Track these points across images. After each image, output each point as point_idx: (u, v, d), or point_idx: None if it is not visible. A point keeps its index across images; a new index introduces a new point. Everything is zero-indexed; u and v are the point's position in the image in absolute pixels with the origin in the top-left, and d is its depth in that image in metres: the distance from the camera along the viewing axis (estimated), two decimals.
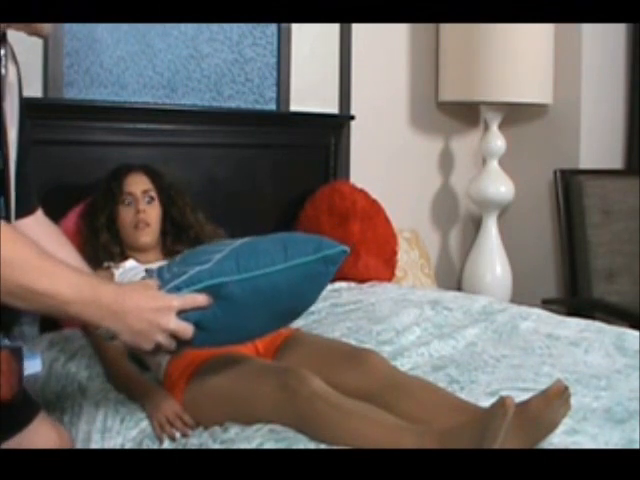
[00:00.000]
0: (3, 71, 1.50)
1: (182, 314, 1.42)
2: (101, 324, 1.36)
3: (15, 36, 1.55)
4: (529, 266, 3.62)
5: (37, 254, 1.31)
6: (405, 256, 3.22)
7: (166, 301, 1.41)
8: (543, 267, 3.61)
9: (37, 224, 1.66)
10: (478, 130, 3.72)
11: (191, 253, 1.61)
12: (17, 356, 1.51)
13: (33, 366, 1.57)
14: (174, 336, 1.41)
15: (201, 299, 1.44)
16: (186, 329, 1.41)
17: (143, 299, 1.39)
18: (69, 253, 1.67)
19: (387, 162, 3.43)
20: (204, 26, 2.88)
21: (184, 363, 1.87)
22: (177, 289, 1.46)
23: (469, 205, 3.71)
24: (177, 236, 2.34)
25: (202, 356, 1.85)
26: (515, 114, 3.56)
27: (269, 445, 1.57)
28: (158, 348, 1.41)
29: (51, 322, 2.30)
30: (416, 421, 1.60)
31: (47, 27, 1.48)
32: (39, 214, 1.71)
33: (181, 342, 1.43)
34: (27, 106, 2.47)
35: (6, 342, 1.52)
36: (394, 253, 3.06)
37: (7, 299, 1.30)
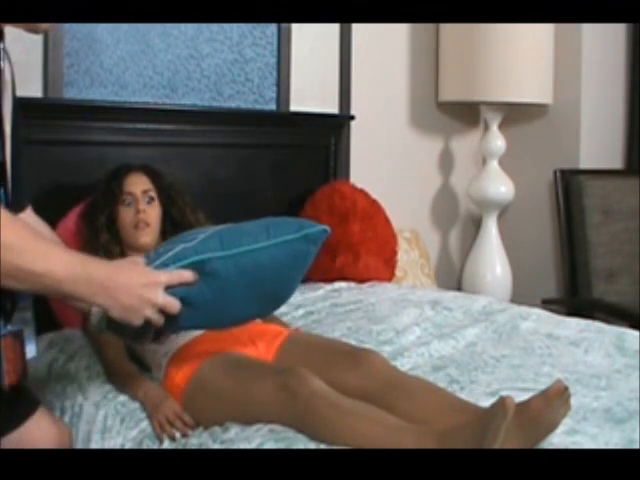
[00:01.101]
0: (2, 64, 1.51)
1: (169, 290, 1.47)
2: (92, 300, 1.41)
3: (15, 35, 1.56)
4: (529, 266, 3.62)
5: (32, 237, 1.36)
6: (405, 256, 3.22)
7: (154, 276, 1.46)
8: (543, 267, 3.61)
9: (28, 221, 1.68)
10: (478, 130, 3.72)
11: (176, 236, 1.68)
12: (19, 340, 1.54)
13: (29, 351, 1.58)
14: (162, 312, 1.45)
15: (187, 275, 1.50)
16: (174, 304, 1.46)
17: (132, 275, 1.43)
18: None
19: (387, 162, 3.43)
20: (204, 26, 2.88)
21: (184, 363, 1.87)
22: (164, 265, 1.52)
23: (469, 205, 3.71)
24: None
25: (202, 356, 1.86)
26: (515, 114, 3.56)
27: (269, 445, 1.57)
28: (147, 324, 1.45)
29: (51, 322, 2.30)
30: (416, 421, 1.60)
31: (44, 24, 1.50)
32: (29, 212, 1.74)
33: (169, 319, 1.47)
34: (27, 106, 2.47)
35: (9, 329, 1.53)
36: (394, 253, 3.06)
37: (5, 281, 1.34)
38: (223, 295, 1.56)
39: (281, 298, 1.71)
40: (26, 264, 1.33)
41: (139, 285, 1.43)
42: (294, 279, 1.68)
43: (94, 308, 1.52)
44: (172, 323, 1.49)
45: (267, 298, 1.67)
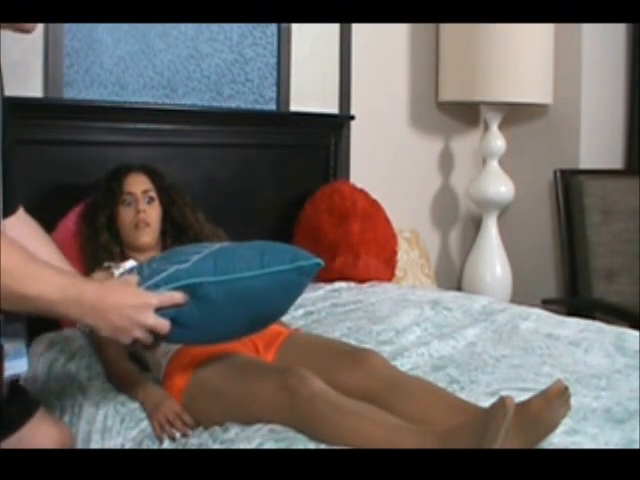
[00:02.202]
0: None
1: (160, 311, 1.49)
2: (83, 320, 1.44)
3: (15, 36, 1.55)
4: (529, 266, 3.62)
5: (26, 260, 1.38)
6: (405, 256, 3.22)
7: (145, 298, 1.48)
8: (543, 267, 3.61)
9: (19, 223, 1.69)
10: (478, 130, 3.72)
11: (171, 253, 1.70)
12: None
13: (19, 366, 1.56)
14: (152, 331, 1.48)
15: (178, 297, 1.52)
16: (164, 325, 1.49)
17: (123, 296, 1.46)
18: (51, 251, 1.71)
19: (387, 162, 3.43)
20: (204, 26, 2.88)
21: (184, 363, 1.87)
22: (156, 286, 1.53)
23: (469, 205, 3.71)
24: (177, 236, 2.34)
25: (202, 356, 1.86)
26: (515, 114, 3.56)
27: (269, 445, 1.57)
28: (135, 342, 1.49)
29: (51, 322, 2.30)
30: (416, 421, 1.60)
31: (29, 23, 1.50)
32: (21, 212, 1.74)
33: (158, 337, 1.51)
34: (27, 106, 2.47)
35: None
36: (394, 253, 3.06)
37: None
38: (213, 317, 1.59)
39: (271, 320, 1.74)
40: (19, 288, 1.36)
41: (130, 307, 1.45)
42: (284, 306, 1.71)
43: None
44: (161, 339, 1.52)
45: (256, 321, 1.69)
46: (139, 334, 1.47)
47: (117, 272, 2.20)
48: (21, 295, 1.36)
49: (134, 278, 1.54)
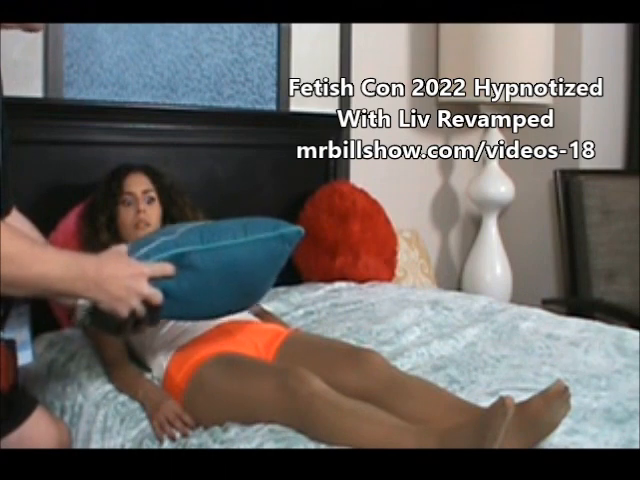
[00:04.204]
0: None
1: (151, 282, 1.53)
2: (85, 295, 1.48)
3: (15, 36, 1.56)
4: (529, 266, 3.62)
5: (29, 244, 1.42)
6: (405, 256, 3.22)
7: (139, 268, 1.53)
8: (543, 267, 3.61)
9: (14, 222, 1.68)
10: (478, 130, 3.72)
11: (158, 230, 1.80)
12: (11, 348, 1.55)
13: (25, 357, 1.60)
14: (145, 303, 1.52)
15: (169, 268, 1.58)
16: (157, 294, 1.53)
17: (119, 267, 1.50)
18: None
19: (387, 162, 3.43)
20: (204, 26, 2.88)
21: (184, 363, 1.87)
22: (146, 257, 1.59)
23: (469, 205, 3.71)
24: None
25: (202, 356, 1.86)
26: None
27: (269, 445, 1.57)
28: (132, 314, 1.52)
29: (51, 322, 2.30)
30: (416, 421, 1.60)
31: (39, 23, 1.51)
32: (15, 213, 1.76)
33: (150, 310, 1.54)
34: (27, 106, 2.47)
35: (1, 336, 1.54)
36: (394, 253, 3.06)
37: (5, 290, 1.39)
38: (200, 287, 1.65)
39: (256, 294, 1.81)
40: (25, 272, 1.38)
41: (126, 276, 1.49)
42: (268, 276, 1.77)
43: (80, 304, 1.58)
44: (153, 314, 1.56)
45: (242, 293, 1.75)
46: (135, 303, 1.50)
47: None
48: (25, 277, 1.38)
49: (123, 247, 1.59)
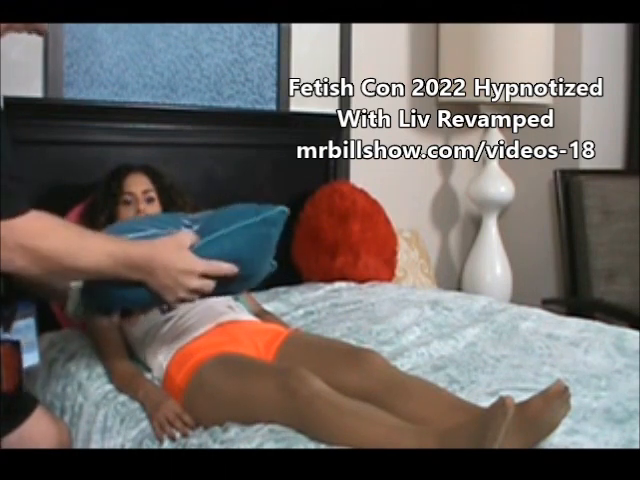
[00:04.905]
0: None
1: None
2: (130, 277, 1.53)
3: (15, 35, 1.55)
4: (529, 266, 3.62)
5: (76, 234, 1.47)
6: (405, 256, 3.22)
7: (192, 264, 1.57)
8: (543, 267, 3.61)
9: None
10: (478, 130, 3.72)
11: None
12: (17, 349, 1.55)
13: (31, 359, 1.61)
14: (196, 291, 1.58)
15: (226, 267, 1.61)
16: (207, 286, 1.58)
17: (172, 259, 1.55)
18: None
19: (387, 162, 3.43)
20: (204, 26, 2.88)
21: (184, 363, 1.87)
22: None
23: (469, 205, 3.71)
24: None
25: (202, 356, 1.86)
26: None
27: (269, 445, 1.57)
28: (181, 301, 1.60)
29: (51, 322, 2.30)
30: (416, 421, 1.60)
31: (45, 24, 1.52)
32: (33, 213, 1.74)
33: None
34: (27, 106, 2.47)
35: (7, 336, 1.54)
36: (394, 253, 3.06)
37: (51, 277, 1.47)
38: None
39: (252, 279, 1.76)
40: (72, 263, 1.42)
41: (176, 270, 1.55)
42: (260, 261, 1.73)
43: (71, 292, 1.62)
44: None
45: (238, 279, 1.71)
46: (183, 295, 1.56)
47: None
48: (73, 268, 1.43)
49: (188, 239, 1.60)
